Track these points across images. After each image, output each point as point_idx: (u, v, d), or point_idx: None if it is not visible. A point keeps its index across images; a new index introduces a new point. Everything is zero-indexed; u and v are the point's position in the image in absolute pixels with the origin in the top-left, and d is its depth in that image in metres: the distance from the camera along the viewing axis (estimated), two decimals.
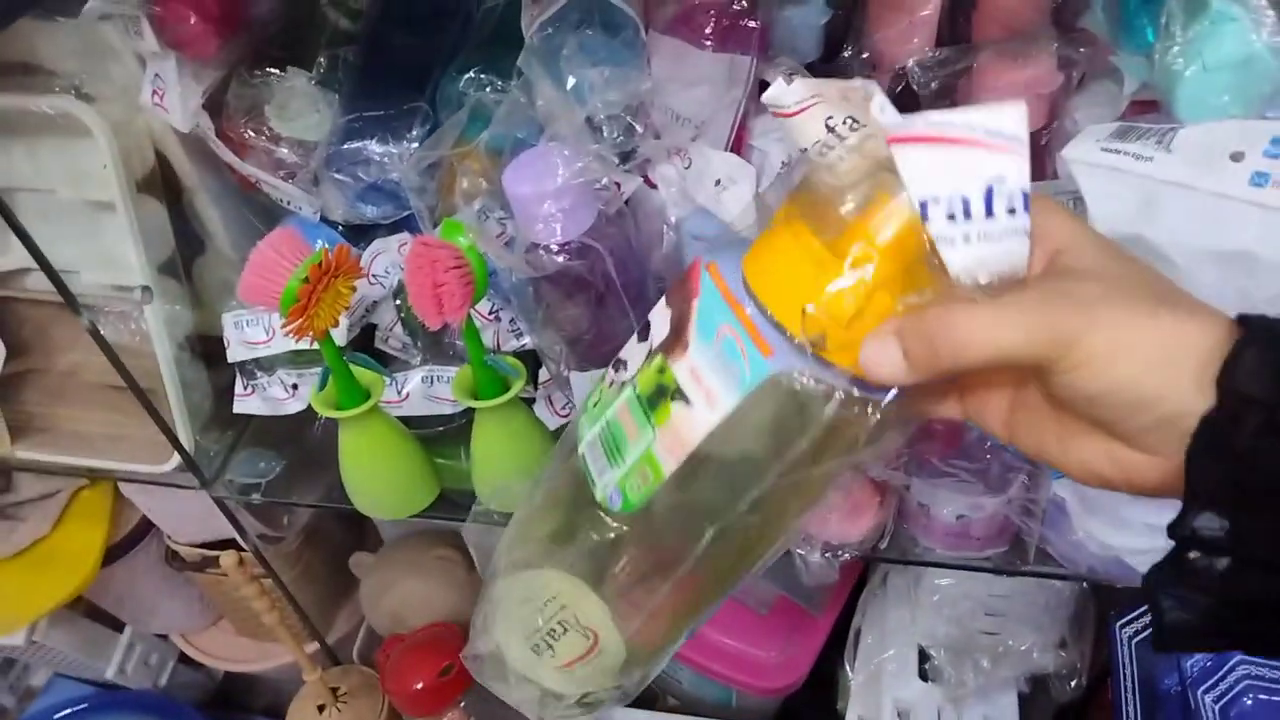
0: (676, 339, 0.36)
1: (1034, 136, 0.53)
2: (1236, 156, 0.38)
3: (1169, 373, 0.28)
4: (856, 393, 0.32)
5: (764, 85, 0.57)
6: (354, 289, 0.55)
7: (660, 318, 0.37)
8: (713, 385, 0.34)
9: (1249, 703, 0.69)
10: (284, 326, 0.53)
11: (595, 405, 0.40)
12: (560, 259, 0.51)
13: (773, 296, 0.32)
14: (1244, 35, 0.40)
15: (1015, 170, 0.28)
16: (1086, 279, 0.29)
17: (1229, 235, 0.38)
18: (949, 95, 0.55)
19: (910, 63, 0.55)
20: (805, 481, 0.35)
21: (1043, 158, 0.53)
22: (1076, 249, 0.30)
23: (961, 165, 0.28)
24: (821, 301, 0.31)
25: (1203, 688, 0.68)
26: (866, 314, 0.31)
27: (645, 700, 0.95)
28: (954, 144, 0.28)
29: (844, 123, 0.31)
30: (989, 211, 0.28)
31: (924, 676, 0.79)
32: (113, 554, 0.91)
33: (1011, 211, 0.28)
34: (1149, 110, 0.48)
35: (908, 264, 0.30)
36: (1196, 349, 0.28)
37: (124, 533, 0.92)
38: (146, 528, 0.94)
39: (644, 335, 0.38)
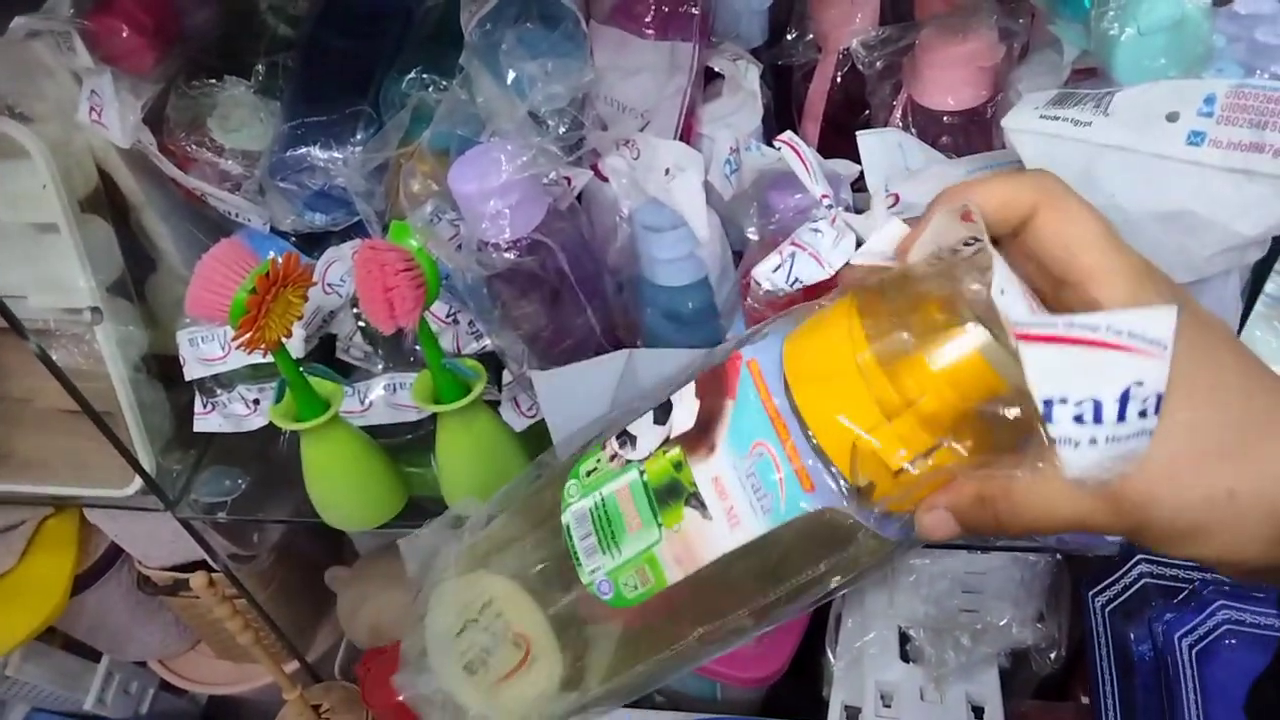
0: (702, 437, 0.33)
1: (978, 110, 0.53)
2: (1172, 117, 0.38)
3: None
4: (886, 532, 0.31)
5: (710, 72, 0.58)
6: (305, 298, 0.54)
7: (685, 405, 0.34)
8: (739, 504, 0.31)
9: (1228, 647, 0.69)
10: (235, 339, 0.52)
11: (590, 475, 0.36)
12: (510, 256, 0.50)
13: (819, 418, 0.30)
14: None
15: (1155, 375, 0.26)
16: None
17: (1168, 195, 0.38)
18: (893, 73, 0.55)
19: (854, 42, 0.55)
20: (807, 590, 0.33)
21: (988, 130, 0.53)
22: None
23: (1100, 367, 0.26)
24: (874, 441, 0.29)
25: (1180, 632, 0.68)
26: (919, 466, 0.29)
27: None
28: (1093, 345, 0.26)
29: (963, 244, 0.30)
30: (1121, 416, 0.26)
31: (905, 658, 0.79)
32: (83, 583, 0.90)
33: (1143, 414, 0.26)
34: (1091, 78, 0.48)
35: (967, 411, 0.28)
36: None
37: (93, 560, 0.91)
38: (116, 554, 0.93)
39: (661, 418, 0.35)
